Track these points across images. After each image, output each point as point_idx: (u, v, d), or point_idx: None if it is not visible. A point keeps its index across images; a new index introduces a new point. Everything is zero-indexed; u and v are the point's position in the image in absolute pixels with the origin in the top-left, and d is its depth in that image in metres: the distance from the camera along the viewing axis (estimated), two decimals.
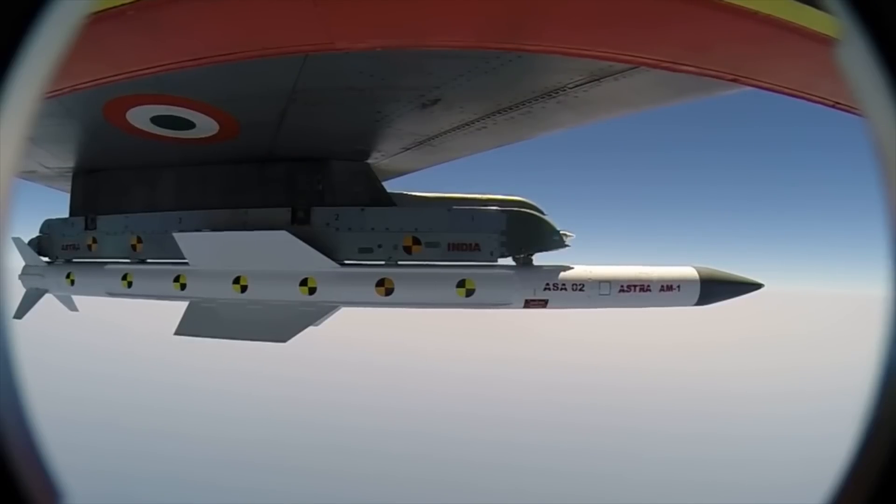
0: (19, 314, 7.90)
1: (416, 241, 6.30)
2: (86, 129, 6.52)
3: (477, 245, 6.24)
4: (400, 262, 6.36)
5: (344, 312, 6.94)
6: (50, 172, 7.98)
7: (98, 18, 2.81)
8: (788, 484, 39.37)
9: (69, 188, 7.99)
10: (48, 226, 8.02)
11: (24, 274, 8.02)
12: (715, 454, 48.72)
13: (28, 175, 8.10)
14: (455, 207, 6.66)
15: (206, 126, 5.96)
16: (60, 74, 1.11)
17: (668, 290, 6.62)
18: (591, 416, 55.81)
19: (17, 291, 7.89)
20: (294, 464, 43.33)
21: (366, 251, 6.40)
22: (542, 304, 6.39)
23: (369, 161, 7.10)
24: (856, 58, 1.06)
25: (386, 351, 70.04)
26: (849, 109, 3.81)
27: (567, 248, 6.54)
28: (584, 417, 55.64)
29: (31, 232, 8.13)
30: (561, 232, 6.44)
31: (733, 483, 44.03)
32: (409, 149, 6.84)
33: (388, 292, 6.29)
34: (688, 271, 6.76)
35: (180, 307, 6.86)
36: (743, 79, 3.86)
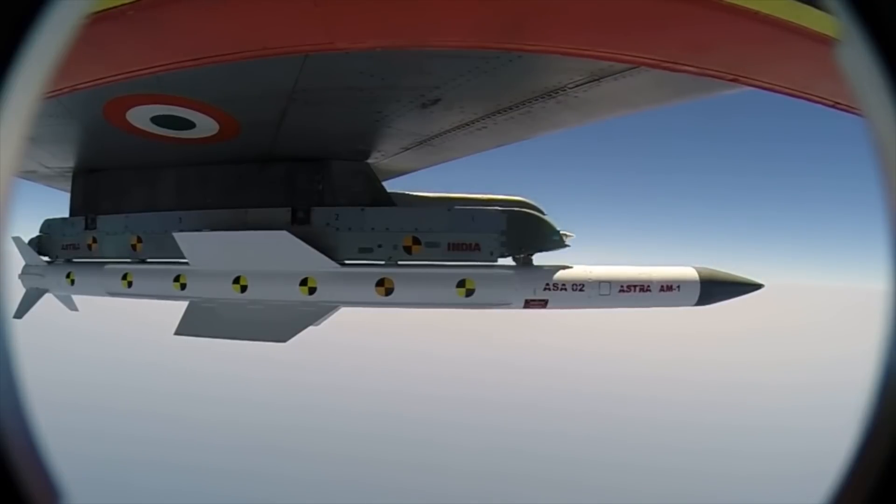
0: (19, 314, 7.89)
1: (417, 241, 6.30)
2: (86, 129, 6.52)
3: (477, 245, 6.24)
4: (400, 262, 6.35)
5: (344, 312, 6.95)
6: (50, 172, 7.98)
7: (98, 18, 2.82)
8: (788, 476, 39.40)
9: (69, 188, 7.98)
10: (48, 226, 8.02)
11: (24, 274, 8.02)
12: (712, 445, 48.85)
13: (28, 175, 8.10)
14: (455, 207, 6.67)
15: (206, 126, 5.96)
16: (60, 74, 1.11)
17: (667, 291, 6.63)
18: (589, 405, 56.03)
19: (17, 291, 7.89)
20: (293, 464, 43.35)
21: (366, 251, 6.40)
22: (542, 304, 6.39)
23: (369, 161, 7.10)
24: (856, 58, 1.06)
25: (385, 350, 70.06)
26: (849, 109, 3.81)
27: (567, 248, 6.54)
28: (582, 406, 55.86)
29: (31, 232, 8.13)
30: (561, 232, 6.44)
31: (730, 475, 44.09)
32: (409, 149, 6.84)
33: (388, 292, 6.29)
34: (688, 272, 6.76)
35: (180, 307, 6.86)
36: (743, 79, 3.87)
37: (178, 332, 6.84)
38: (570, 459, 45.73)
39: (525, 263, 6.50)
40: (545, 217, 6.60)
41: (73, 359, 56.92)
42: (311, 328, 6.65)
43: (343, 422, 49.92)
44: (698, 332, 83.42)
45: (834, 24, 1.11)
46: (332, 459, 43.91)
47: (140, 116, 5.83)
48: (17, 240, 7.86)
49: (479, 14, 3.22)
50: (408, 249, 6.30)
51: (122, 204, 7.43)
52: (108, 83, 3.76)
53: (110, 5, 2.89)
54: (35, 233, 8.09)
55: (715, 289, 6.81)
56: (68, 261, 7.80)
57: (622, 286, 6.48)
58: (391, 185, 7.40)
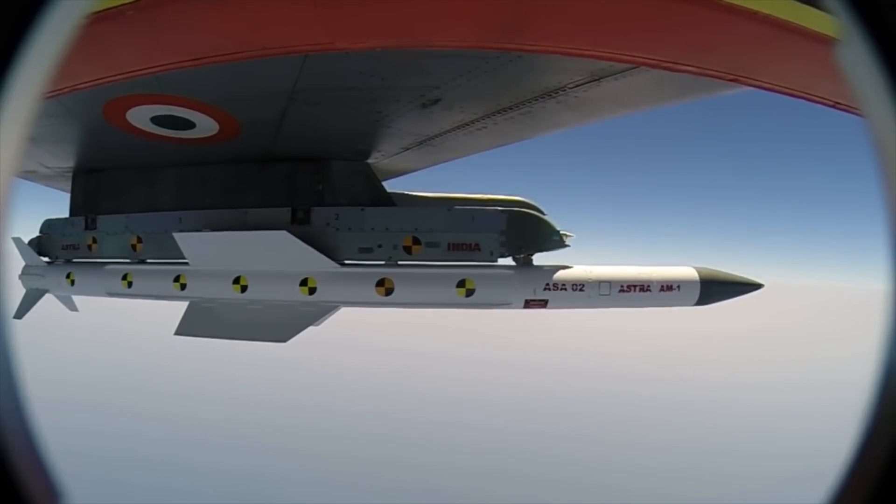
0: (19, 314, 7.89)
1: (416, 241, 6.30)
2: (86, 129, 6.52)
3: (477, 245, 6.24)
4: (400, 262, 6.36)
5: (344, 312, 6.95)
6: (50, 172, 7.99)
7: (98, 18, 2.82)
8: (788, 476, 39.42)
9: (69, 188, 7.99)
10: (48, 226, 8.02)
11: (24, 274, 8.02)
12: (712, 445, 48.87)
13: (28, 175, 8.10)
14: (455, 207, 6.67)
15: (206, 126, 5.96)
16: (60, 74, 1.11)
17: (668, 291, 6.63)
18: (589, 405, 56.06)
19: (17, 291, 7.89)
20: (293, 464, 43.35)
21: (366, 251, 6.40)
22: (542, 304, 6.39)
23: (369, 161, 7.11)
24: (856, 58, 1.06)
25: (385, 350, 70.09)
26: (849, 109, 3.82)
27: (567, 248, 6.54)
28: (582, 406, 55.89)
29: (31, 232, 8.13)
30: (561, 232, 6.45)
31: (730, 475, 44.10)
32: (409, 149, 6.85)
33: (388, 292, 6.30)
34: (688, 271, 6.76)
35: (180, 307, 6.86)
36: (743, 79, 3.87)
37: (178, 333, 6.84)
38: (569, 459, 45.75)
39: (525, 263, 6.50)
40: (545, 217, 6.60)
41: (73, 359, 56.90)
42: (311, 328, 6.65)
43: (343, 422, 49.93)
44: (698, 332, 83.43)
45: (834, 24, 1.11)
46: (332, 459, 43.93)
47: (140, 116, 5.83)
48: (17, 240, 7.86)
49: (479, 14, 3.22)
50: (408, 249, 6.31)
51: (122, 204, 7.44)
52: (108, 83, 3.76)
53: (110, 5, 2.90)
54: (35, 233, 8.09)
55: (715, 289, 6.82)
56: (68, 261, 7.80)
57: (622, 286, 6.48)
58: (391, 185, 7.40)
